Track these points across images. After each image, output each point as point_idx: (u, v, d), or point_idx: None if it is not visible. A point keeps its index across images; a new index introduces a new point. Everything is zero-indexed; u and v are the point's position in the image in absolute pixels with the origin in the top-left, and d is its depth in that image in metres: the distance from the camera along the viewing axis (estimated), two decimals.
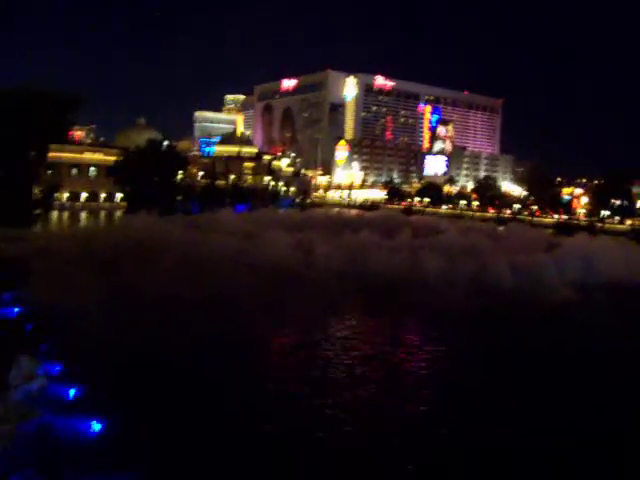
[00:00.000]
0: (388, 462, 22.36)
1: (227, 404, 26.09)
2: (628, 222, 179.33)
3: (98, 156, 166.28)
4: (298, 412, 25.92)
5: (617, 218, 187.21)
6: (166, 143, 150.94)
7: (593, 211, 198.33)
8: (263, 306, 42.25)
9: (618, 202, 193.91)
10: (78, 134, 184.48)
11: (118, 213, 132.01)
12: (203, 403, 25.82)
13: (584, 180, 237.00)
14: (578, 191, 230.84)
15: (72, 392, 25.37)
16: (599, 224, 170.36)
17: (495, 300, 46.27)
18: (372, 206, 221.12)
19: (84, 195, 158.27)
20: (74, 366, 27.52)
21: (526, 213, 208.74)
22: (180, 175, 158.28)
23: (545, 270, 54.72)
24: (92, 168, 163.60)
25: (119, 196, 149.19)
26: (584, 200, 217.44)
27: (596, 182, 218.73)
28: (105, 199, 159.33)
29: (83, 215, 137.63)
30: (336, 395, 28.07)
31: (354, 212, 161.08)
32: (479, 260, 56.49)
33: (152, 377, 28.13)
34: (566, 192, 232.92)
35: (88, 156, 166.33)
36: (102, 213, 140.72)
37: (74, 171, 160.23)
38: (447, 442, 24.00)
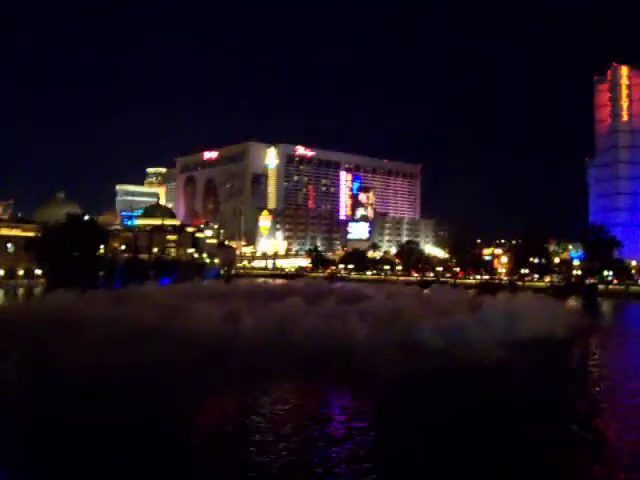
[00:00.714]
0: None
1: None
2: (547, 279, 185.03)
3: (16, 231, 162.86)
4: None
5: (536, 275, 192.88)
6: (87, 217, 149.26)
7: (513, 270, 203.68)
8: (189, 378, 41.44)
9: (537, 260, 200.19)
10: None
11: (37, 290, 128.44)
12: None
13: (503, 241, 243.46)
14: (498, 251, 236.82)
15: None
16: (519, 282, 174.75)
17: (424, 362, 46.43)
18: (296, 274, 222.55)
19: (1, 272, 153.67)
20: None
21: (449, 275, 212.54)
22: (102, 249, 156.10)
23: (471, 330, 55.30)
24: (9, 244, 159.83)
25: (39, 272, 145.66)
26: (504, 260, 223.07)
27: (515, 242, 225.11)
28: (24, 276, 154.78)
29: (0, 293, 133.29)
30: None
31: (279, 282, 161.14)
32: (407, 324, 56.74)
33: (78, 457, 27.07)
34: (486, 253, 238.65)
35: (5, 232, 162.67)
36: (20, 290, 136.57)
37: None
38: None
